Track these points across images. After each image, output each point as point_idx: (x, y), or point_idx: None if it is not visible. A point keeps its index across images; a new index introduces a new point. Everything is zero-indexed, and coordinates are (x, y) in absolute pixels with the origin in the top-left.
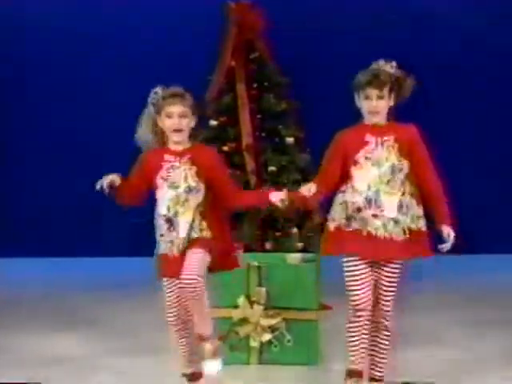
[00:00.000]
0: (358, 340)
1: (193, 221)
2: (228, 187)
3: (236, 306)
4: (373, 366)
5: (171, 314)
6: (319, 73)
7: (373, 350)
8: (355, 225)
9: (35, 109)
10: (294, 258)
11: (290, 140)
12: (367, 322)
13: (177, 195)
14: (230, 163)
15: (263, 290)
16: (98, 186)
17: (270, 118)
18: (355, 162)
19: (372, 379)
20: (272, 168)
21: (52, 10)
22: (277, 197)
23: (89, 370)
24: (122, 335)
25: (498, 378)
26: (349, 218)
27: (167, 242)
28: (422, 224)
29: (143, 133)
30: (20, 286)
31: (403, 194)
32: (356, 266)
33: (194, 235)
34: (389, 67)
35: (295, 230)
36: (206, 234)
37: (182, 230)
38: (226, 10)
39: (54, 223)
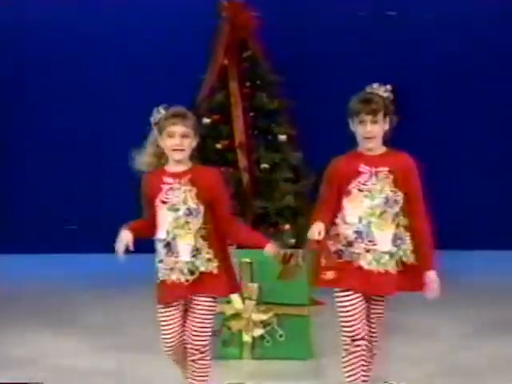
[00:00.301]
0: (358, 372)
1: (196, 246)
2: (224, 215)
3: (228, 302)
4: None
5: (168, 343)
6: (312, 71)
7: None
8: (346, 257)
9: (35, 108)
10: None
11: (282, 138)
12: (364, 352)
13: (176, 218)
14: (223, 160)
15: (255, 285)
16: (118, 256)
17: (262, 116)
18: (348, 193)
19: None
20: (264, 165)
21: (52, 10)
22: (272, 249)
23: (86, 366)
24: (119, 332)
25: None
26: (340, 251)
27: (166, 269)
28: (414, 259)
29: (146, 158)
30: (16, 283)
31: (397, 226)
32: (349, 299)
33: (201, 268)
34: (382, 91)
35: (288, 226)
36: (213, 266)
37: (184, 254)
38: (219, 8)
39: (48, 220)
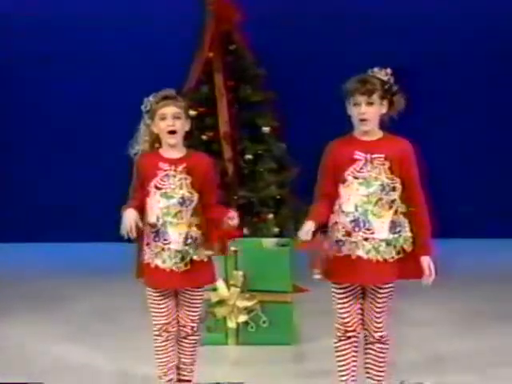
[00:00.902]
0: (348, 358)
1: (190, 234)
2: (212, 204)
3: (214, 289)
4: (369, 380)
5: (159, 325)
6: (294, 64)
7: (368, 363)
8: (345, 249)
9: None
10: (269, 242)
11: (265, 129)
12: (356, 343)
13: (168, 206)
14: (209, 151)
15: (240, 273)
16: (125, 236)
17: (246, 108)
18: (343, 180)
19: None
20: (248, 156)
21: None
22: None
23: (74, 352)
24: (103, 317)
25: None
26: (339, 242)
27: (152, 253)
28: (410, 242)
29: (141, 146)
30: (7, 270)
31: (396, 213)
32: (345, 293)
33: (194, 256)
34: (383, 74)
35: (271, 216)
36: (204, 254)
37: (175, 242)
38: (204, 2)
39: (35, 209)
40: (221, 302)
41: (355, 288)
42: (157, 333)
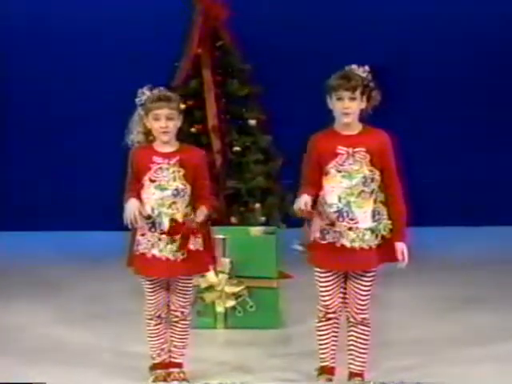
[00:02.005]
0: (328, 338)
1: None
2: (205, 195)
3: (203, 276)
4: (351, 361)
5: (153, 311)
6: (280, 60)
7: (350, 345)
8: (329, 237)
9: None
10: (256, 230)
11: (252, 122)
12: (337, 325)
13: (162, 197)
14: (197, 144)
15: (228, 260)
16: (129, 225)
17: (234, 101)
18: (326, 173)
19: (351, 374)
20: (236, 148)
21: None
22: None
23: (70, 335)
24: (101, 302)
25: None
26: (323, 230)
27: (149, 243)
28: (388, 227)
29: (136, 136)
30: (2, 258)
31: (375, 202)
32: (327, 278)
33: (191, 246)
34: (361, 71)
35: (258, 205)
36: (200, 243)
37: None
38: (192, 0)
39: (24, 197)
40: (209, 288)
41: (338, 273)
42: (149, 317)
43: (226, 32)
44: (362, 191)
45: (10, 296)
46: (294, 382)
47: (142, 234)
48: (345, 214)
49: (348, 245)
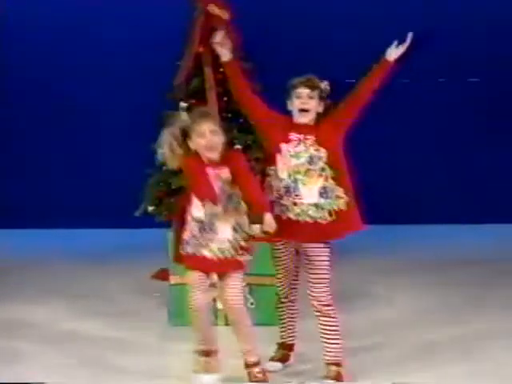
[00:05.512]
0: (284, 319)
1: (237, 223)
2: (247, 183)
3: None
4: (324, 351)
5: (200, 301)
6: (281, 59)
7: (320, 336)
8: (277, 210)
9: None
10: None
11: None
12: (291, 309)
13: (215, 208)
14: None
15: None
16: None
17: (235, 100)
18: (279, 150)
19: (327, 363)
20: (238, 146)
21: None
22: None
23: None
24: (104, 299)
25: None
26: (272, 202)
27: (198, 245)
28: (342, 202)
29: (169, 156)
30: (4, 256)
31: (326, 179)
32: (281, 253)
33: (242, 242)
34: (322, 84)
35: None
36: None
37: (224, 233)
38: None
39: (32, 195)
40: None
41: (290, 251)
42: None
43: (228, 31)
44: (309, 170)
45: (23, 291)
46: (295, 378)
47: (193, 236)
48: (291, 190)
49: (293, 218)
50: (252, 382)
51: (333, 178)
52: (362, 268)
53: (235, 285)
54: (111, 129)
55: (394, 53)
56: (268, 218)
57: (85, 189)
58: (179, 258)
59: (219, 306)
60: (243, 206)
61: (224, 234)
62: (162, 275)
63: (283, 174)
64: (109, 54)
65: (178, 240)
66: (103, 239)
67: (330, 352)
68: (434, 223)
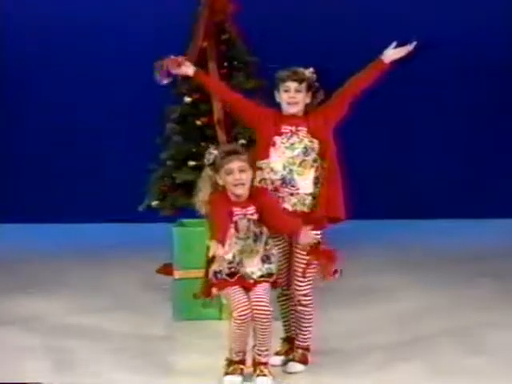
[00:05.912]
0: (286, 311)
1: (265, 255)
2: (276, 217)
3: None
4: (297, 337)
5: (244, 315)
6: (285, 52)
7: (294, 322)
8: None
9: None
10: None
11: None
12: (292, 297)
13: (244, 245)
14: (203, 136)
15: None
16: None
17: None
18: (273, 143)
19: (297, 347)
20: (242, 141)
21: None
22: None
23: (72, 324)
24: (103, 293)
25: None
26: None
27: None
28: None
29: (205, 195)
30: (5, 251)
31: (317, 169)
32: (278, 244)
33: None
34: (307, 72)
35: None
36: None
37: (251, 267)
38: None
39: (26, 190)
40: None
41: (287, 247)
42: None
43: (232, 26)
44: (303, 161)
45: (15, 287)
46: (298, 372)
47: (220, 272)
48: (287, 181)
49: (290, 208)
50: (258, 376)
51: (323, 168)
52: (366, 264)
53: (263, 293)
54: (115, 123)
55: (391, 55)
56: (302, 234)
57: (89, 183)
58: (209, 290)
59: (223, 300)
60: (271, 242)
61: (251, 267)
62: (166, 270)
63: (278, 166)
64: (112, 48)
65: (206, 274)
66: (107, 233)
67: (302, 338)
68: (444, 218)
